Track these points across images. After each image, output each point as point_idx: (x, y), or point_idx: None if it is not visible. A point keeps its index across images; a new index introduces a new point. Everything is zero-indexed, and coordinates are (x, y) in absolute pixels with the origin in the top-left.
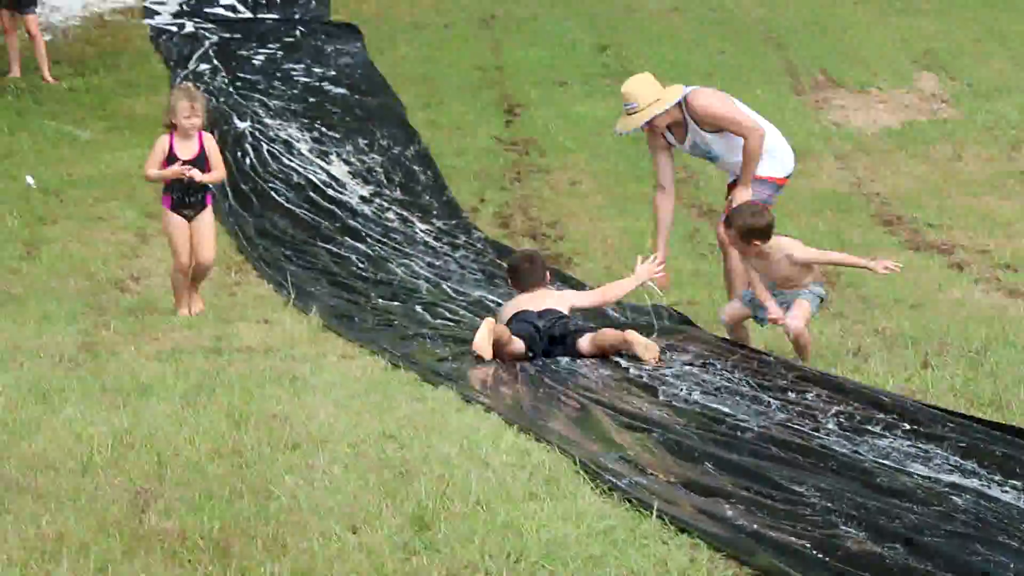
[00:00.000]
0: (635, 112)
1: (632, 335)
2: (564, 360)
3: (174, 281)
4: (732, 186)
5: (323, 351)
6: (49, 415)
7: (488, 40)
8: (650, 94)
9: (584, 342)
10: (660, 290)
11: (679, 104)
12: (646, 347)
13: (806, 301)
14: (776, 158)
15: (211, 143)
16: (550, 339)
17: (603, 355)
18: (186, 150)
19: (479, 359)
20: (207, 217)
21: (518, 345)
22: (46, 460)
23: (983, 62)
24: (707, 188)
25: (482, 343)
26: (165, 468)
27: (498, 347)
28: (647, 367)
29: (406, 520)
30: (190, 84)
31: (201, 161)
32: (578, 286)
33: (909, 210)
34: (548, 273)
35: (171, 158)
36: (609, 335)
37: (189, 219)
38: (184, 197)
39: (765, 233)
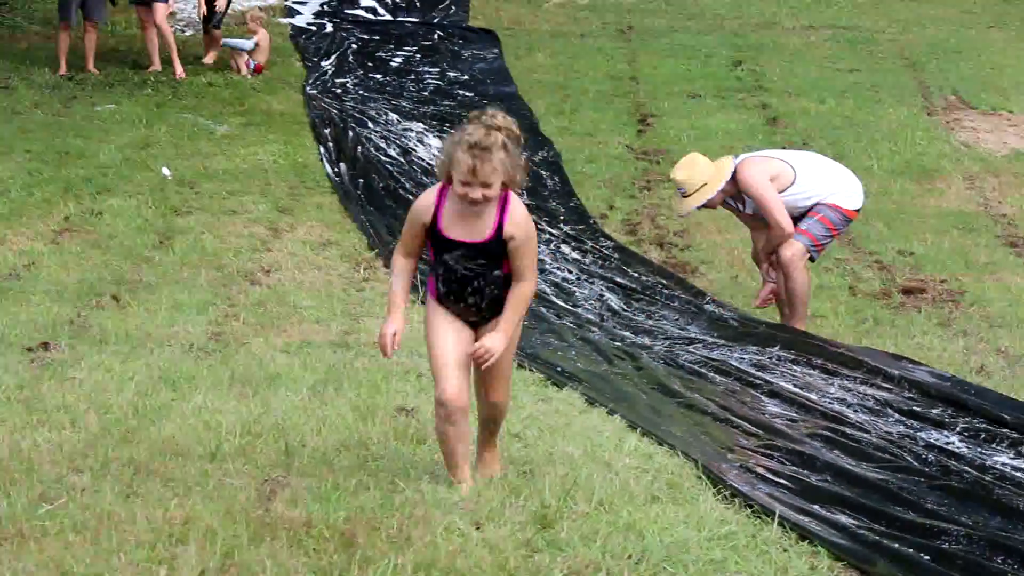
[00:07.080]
0: (687, 196)
1: None
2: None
3: (438, 431)
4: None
5: None
6: (179, 402)
7: (624, 51)
8: (698, 179)
9: None
10: None
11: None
12: None
13: None
14: (847, 193)
15: (517, 218)
16: None
17: None
18: (464, 229)
19: None
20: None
21: None
22: (175, 446)
23: None
24: None
25: None
26: (292, 458)
27: None
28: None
29: (529, 518)
30: (495, 130)
31: (491, 252)
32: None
33: None
34: None
35: (434, 233)
36: None
37: (474, 324)
38: (461, 289)
39: None
